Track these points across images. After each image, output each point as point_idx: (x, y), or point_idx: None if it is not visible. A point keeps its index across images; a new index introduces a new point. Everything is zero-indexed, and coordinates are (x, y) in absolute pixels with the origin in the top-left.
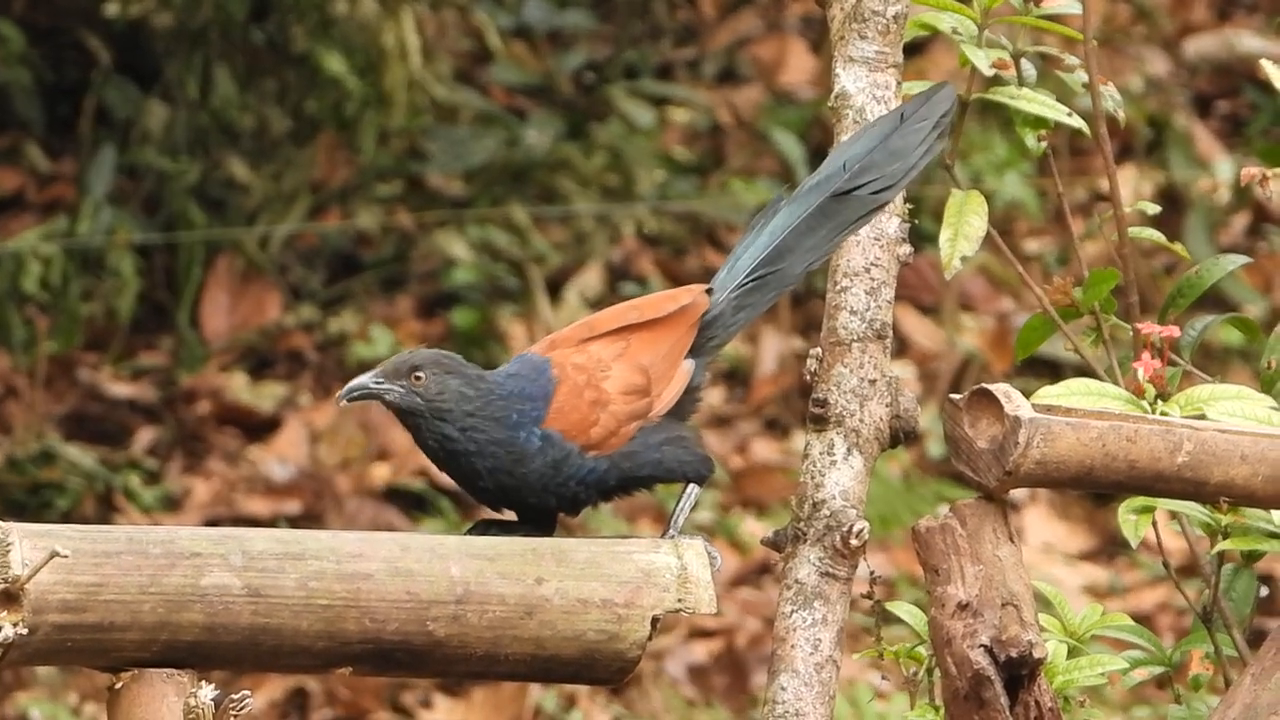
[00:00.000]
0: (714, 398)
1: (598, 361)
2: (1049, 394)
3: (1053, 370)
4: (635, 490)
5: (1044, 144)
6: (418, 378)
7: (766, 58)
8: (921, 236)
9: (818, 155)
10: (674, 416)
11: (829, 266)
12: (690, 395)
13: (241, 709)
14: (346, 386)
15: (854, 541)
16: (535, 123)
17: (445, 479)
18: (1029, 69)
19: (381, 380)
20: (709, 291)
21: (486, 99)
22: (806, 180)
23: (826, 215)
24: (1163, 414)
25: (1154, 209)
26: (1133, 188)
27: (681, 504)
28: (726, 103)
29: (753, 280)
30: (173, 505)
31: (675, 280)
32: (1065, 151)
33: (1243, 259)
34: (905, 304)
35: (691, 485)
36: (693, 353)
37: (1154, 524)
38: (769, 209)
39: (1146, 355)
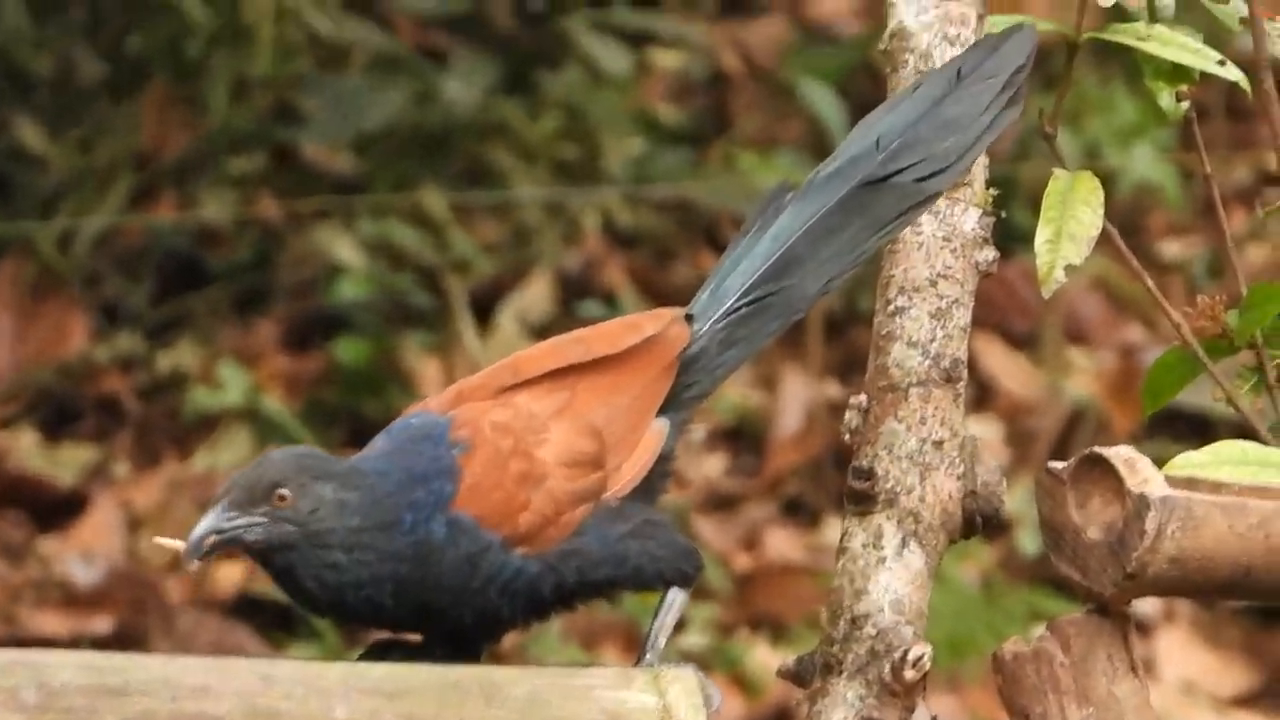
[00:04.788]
0: (712, 469)
1: (528, 419)
2: (1190, 462)
3: (1197, 429)
4: (586, 602)
5: (1186, 104)
6: (282, 497)
7: None
8: (1011, 236)
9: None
10: (639, 497)
11: (877, 279)
12: (660, 467)
13: None
14: (191, 537)
15: (910, 673)
16: (458, 70)
17: None
18: None
19: (235, 515)
20: (688, 319)
21: (389, 35)
22: (821, 167)
23: (853, 212)
24: None
25: None
26: None
27: (661, 618)
28: (734, 41)
29: (748, 303)
30: None
31: (658, 298)
32: (1218, 114)
33: None
34: (988, 332)
35: (673, 590)
36: (664, 407)
37: None
38: (768, 206)
39: None
